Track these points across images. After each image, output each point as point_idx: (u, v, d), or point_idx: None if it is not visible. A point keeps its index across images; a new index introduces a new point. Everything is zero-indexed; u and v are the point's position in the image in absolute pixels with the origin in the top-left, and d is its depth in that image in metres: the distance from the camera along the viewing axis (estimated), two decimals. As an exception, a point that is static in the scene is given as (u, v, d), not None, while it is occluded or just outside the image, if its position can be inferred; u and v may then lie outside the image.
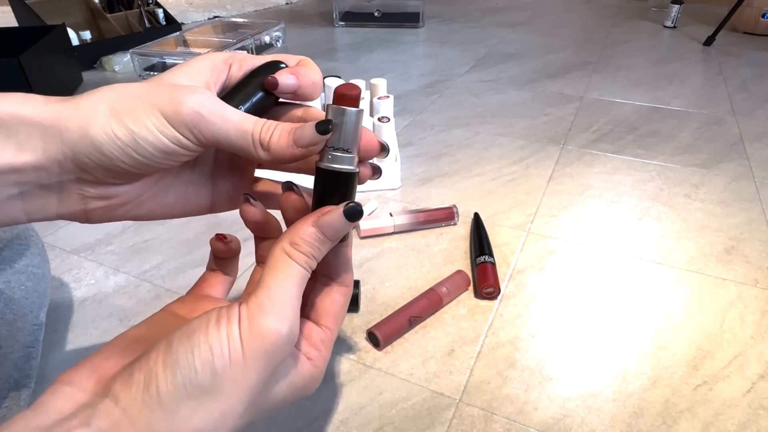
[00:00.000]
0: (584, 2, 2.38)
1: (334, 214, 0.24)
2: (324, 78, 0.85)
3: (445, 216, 0.69)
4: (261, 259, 0.32)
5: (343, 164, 0.25)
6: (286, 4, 2.37)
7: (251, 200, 0.28)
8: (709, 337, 0.52)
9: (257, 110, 0.26)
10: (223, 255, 0.32)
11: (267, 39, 1.55)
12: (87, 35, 1.46)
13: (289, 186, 0.27)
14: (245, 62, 0.28)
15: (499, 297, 0.57)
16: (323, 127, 0.24)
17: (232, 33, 1.52)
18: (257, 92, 0.27)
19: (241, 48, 1.40)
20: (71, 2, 1.53)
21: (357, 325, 0.53)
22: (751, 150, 0.92)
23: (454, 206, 0.69)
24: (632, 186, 0.80)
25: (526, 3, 2.34)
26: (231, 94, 0.27)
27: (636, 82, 1.28)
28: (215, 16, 2.08)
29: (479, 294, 0.57)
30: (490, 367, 0.49)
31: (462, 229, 0.69)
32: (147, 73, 1.32)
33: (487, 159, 0.88)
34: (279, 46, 1.61)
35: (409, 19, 1.90)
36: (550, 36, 1.76)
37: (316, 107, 0.29)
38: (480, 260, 0.60)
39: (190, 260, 0.63)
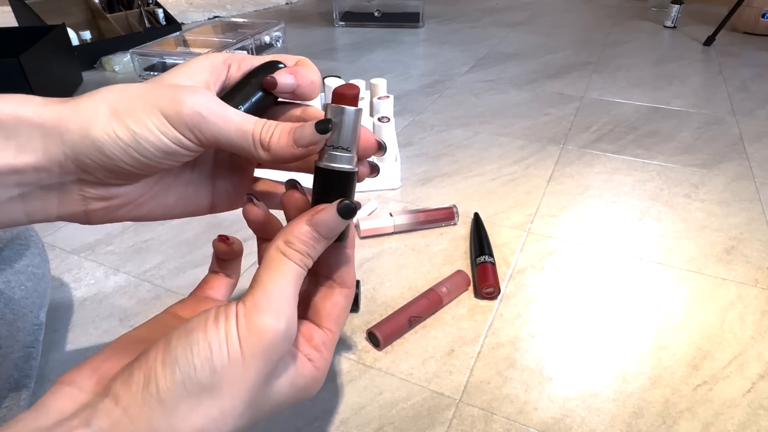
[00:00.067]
0: (584, 2, 2.38)
1: (328, 212, 0.24)
2: (324, 78, 0.85)
3: (445, 216, 0.69)
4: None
5: (342, 163, 0.25)
6: (286, 4, 2.37)
7: (254, 200, 0.28)
8: (709, 337, 0.52)
9: (256, 110, 0.27)
10: (225, 256, 0.32)
11: (267, 39, 1.55)
12: (87, 35, 1.46)
13: (292, 184, 0.27)
14: (244, 62, 0.28)
15: (499, 297, 0.57)
16: (323, 126, 0.24)
17: (232, 33, 1.52)
18: (256, 92, 0.27)
19: (241, 48, 1.40)
20: (71, 2, 1.53)
21: (357, 325, 0.53)
22: (751, 150, 0.92)
23: (454, 206, 0.69)
24: (632, 186, 0.80)
25: (526, 3, 2.34)
26: (230, 94, 0.27)
27: (636, 82, 1.28)
28: (215, 16, 2.08)
29: (479, 294, 0.57)
30: (490, 367, 0.49)
31: (462, 229, 0.69)
32: (147, 73, 1.32)
33: (487, 159, 0.88)
34: (279, 46, 1.61)
35: (409, 19, 1.90)
36: (550, 36, 1.76)
37: (315, 106, 0.29)
38: (480, 260, 0.60)
39: (190, 260, 0.63)
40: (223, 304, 0.23)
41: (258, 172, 0.32)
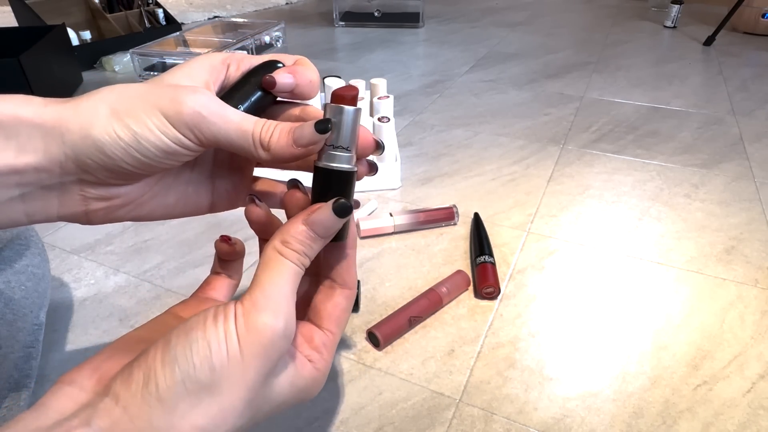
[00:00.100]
0: (584, 2, 2.38)
1: (324, 211, 0.24)
2: (323, 78, 0.85)
3: (445, 216, 0.69)
4: None
5: (342, 163, 0.25)
6: (286, 4, 2.37)
7: (257, 201, 0.28)
8: (709, 337, 0.52)
9: (255, 110, 0.27)
10: (227, 257, 0.32)
11: (267, 39, 1.55)
12: (87, 35, 1.46)
13: (294, 184, 0.27)
14: (243, 62, 0.28)
15: (499, 297, 0.57)
16: (322, 126, 0.24)
17: (232, 33, 1.52)
18: (255, 92, 0.27)
19: (241, 48, 1.40)
20: (71, 2, 1.53)
21: (357, 325, 0.53)
22: (751, 150, 0.92)
23: (454, 206, 0.69)
24: (632, 186, 0.80)
25: (526, 3, 2.34)
26: (230, 94, 0.27)
27: (636, 82, 1.28)
28: (215, 16, 2.08)
29: (479, 294, 0.57)
30: (490, 367, 0.49)
31: (462, 229, 0.69)
32: (147, 73, 1.32)
33: (487, 159, 0.88)
34: (279, 46, 1.61)
35: (409, 19, 1.90)
36: (550, 36, 1.76)
37: (314, 106, 0.29)
38: (480, 260, 0.60)
39: (190, 260, 0.63)
40: (222, 304, 0.23)
41: (257, 171, 0.32)
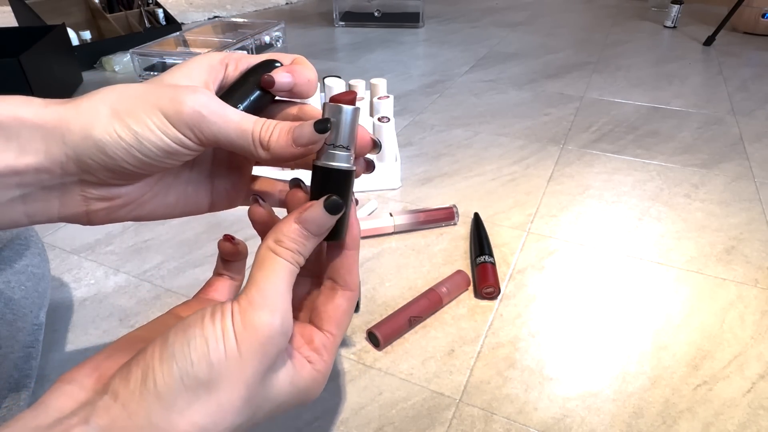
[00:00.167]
0: (584, 2, 2.38)
1: (315, 208, 0.24)
2: (323, 78, 0.85)
3: (445, 216, 0.69)
4: None
5: (340, 162, 0.25)
6: (286, 4, 2.37)
7: (260, 201, 0.28)
8: (709, 337, 0.52)
9: (254, 109, 0.27)
10: (230, 257, 0.32)
11: (267, 39, 1.54)
12: (87, 35, 1.46)
13: (296, 183, 0.27)
14: (241, 62, 0.28)
15: (499, 297, 0.57)
16: (321, 125, 0.24)
17: (232, 33, 1.52)
18: (254, 91, 0.27)
19: (241, 48, 1.40)
20: (71, 2, 1.53)
21: (357, 325, 0.53)
22: (751, 150, 0.92)
23: (454, 206, 0.69)
24: (632, 186, 0.80)
25: (526, 3, 2.34)
26: (228, 93, 0.27)
27: (636, 82, 1.28)
28: (215, 16, 2.08)
29: (479, 294, 0.57)
30: (490, 367, 0.49)
31: (462, 229, 0.69)
32: (147, 73, 1.32)
33: (487, 159, 0.88)
34: (279, 46, 1.61)
35: (409, 19, 1.90)
36: (550, 36, 1.76)
37: (311, 105, 0.29)
38: (480, 260, 0.60)
39: (190, 260, 0.63)
40: (219, 302, 0.23)
41: (256, 170, 0.32)
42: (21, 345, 0.42)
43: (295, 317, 0.29)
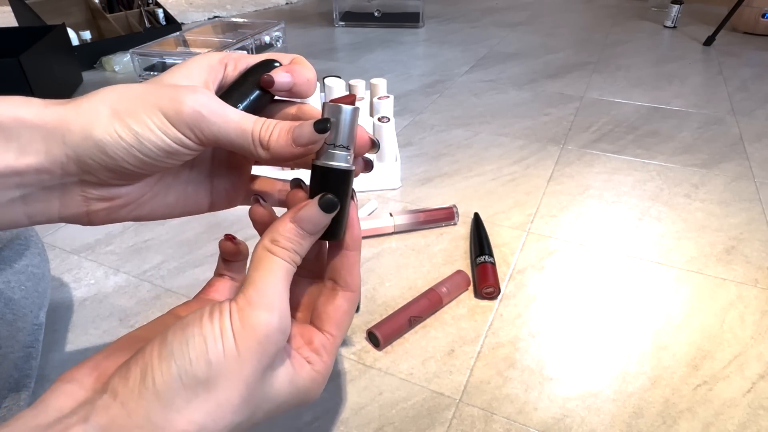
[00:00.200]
0: (584, 2, 2.38)
1: (310, 207, 0.24)
2: (323, 78, 0.85)
3: (445, 216, 0.69)
4: None
5: (339, 161, 0.25)
6: (286, 4, 2.37)
7: (261, 201, 0.28)
8: (709, 337, 0.52)
9: (253, 109, 0.27)
10: (231, 257, 0.32)
11: (267, 39, 1.54)
12: (87, 35, 1.46)
13: (297, 183, 0.27)
14: (240, 61, 0.28)
15: (499, 297, 0.57)
16: (321, 126, 0.24)
17: (232, 33, 1.52)
18: (254, 91, 0.27)
19: (241, 48, 1.40)
20: (71, 2, 1.53)
21: (357, 325, 0.53)
22: (751, 150, 0.92)
23: (454, 206, 0.69)
24: (632, 186, 0.80)
25: (526, 3, 2.34)
26: (228, 93, 0.27)
27: (636, 82, 1.28)
28: (215, 16, 2.08)
29: (479, 294, 0.57)
30: (490, 367, 0.49)
31: (462, 229, 0.69)
32: (147, 73, 1.32)
33: (487, 159, 0.88)
34: (279, 46, 1.61)
35: (409, 19, 1.90)
36: (550, 36, 1.76)
37: (310, 104, 0.29)
38: (480, 260, 0.60)
39: (190, 260, 0.63)
40: (217, 302, 0.23)
41: (255, 169, 0.32)
42: (21, 345, 0.42)
43: (296, 318, 0.29)
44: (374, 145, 0.27)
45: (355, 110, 0.25)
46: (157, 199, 0.27)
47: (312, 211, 0.24)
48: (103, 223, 0.26)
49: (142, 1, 1.63)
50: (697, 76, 1.33)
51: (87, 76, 1.36)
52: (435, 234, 0.68)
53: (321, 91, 0.88)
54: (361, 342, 0.51)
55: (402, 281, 0.59)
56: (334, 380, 0.47)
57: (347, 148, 0.25)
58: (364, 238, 0.67)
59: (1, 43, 1.19)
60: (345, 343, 0.51)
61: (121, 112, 0.22)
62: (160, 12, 1.65)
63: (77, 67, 1.32)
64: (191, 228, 0.69)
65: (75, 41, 1.41)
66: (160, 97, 0.23)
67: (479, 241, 0.63)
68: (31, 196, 0.23)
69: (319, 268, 0.30)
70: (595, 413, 0.44)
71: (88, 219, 0.25)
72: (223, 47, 1.37)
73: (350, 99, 0.25)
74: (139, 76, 1.32)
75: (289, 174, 0.73)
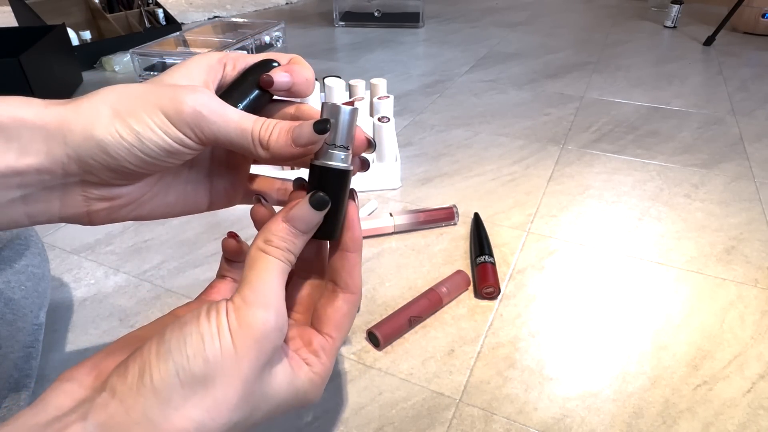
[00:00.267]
0: (584, 2, 2.38)
1: (301, 206, 0.24)
2: (323, 78, 0.85)
3: (445, 216, 0.69)
4: None
5: (338, 161, 0.25)
6: (286, 4, 2.37)
7: (263, 201, 0.28)
8: (709, 337, 0.52)
9: (252, 108, 0.27)
10: (233, 256, 0.32)
11: (267, 39, 1.55)
12: (87, 35, 1.46)
13: (300, 184, 0.27)
14: (238, 61, 0.28)
15: (499, 297, 0.57)
16: (321, 126, 0.24)
17: (232, 33, 1.52)
18: (253, 90, 0.27)
19: (241, 48, 1.40)
20: (71, 2, 1.53)
21: (357, 325, 0.53)
22: (751, 150, 0.92)
23: (454, 206, 0.69)
24: (632, 186, 0.80)
25: (526, 3, 2.34)
26: (227, 92, 0.27)
27: (636, 82, 1.28)
28: (215, 16, 2.08)
29: (479, 294, 0.57)
30: (490, 367, 0.49)
31: (462, 229, 0.69)
32: (147, 73, 1.32)
33: (487, 159, 0.88)
34: (279, 46, 1.61)
35: (409, 19, 1.90)
36: (550, 36, 1.76)
37: (309, 104, 0.29)
38: (480, 260, 0.60)
39: (190, 260, 0.63)
40: (214, 302, 0.23)
41: (254, 168, 0.32)
42: (21, 345, 0.42)
43: (296, 319, 0.29)
44: (371, 146, 0.27)
45: (354, 111, 0.25)
46: (157, 198, 0.27)
47: (303, 209, 0.24)
48: (103, 223, 0.26)
49: (142, 1, 1.63)
50: (697, 76, 1.33)
51: (87, 76, 1.36)
52: (435, 234, 0.68)
53: (321, 91, 0.88)
54: (361, 342, 0.51)
55: (402, 281, 0.59)
56: (334, 380, 0.47)
57: (346, 149, 0.25)
58: (364, 238, 0.67)
59: (1, 43, 1.18)
60: (345, 343, 0.51)
61: (122, 112, 0.22)
62: (160, 12, 1.65)
63: (77, 67, 1.32)
64: (191, 228, 0.69)
65: (75, 41, 1.41)
66: (160, 96, 0.23)
67: (479, 241, 0.63)
68: (31, 196, 0.23)
69: (321, 268, 0.30)
70: (595, 413, 0.44)
71: (88, 219, 0.25)
72: (223, 47, 1.37)
73: (350, 105, 0.26)
74: (139, 76, 1.32)
75: (288, 174, 0.73)
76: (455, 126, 1.02)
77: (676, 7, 1.80)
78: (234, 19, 1.84)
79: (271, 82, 0.27)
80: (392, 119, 0.78)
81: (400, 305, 0.54)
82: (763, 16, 1.70)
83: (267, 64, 0.28)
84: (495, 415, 0.44)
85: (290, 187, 0.31)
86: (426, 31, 1.84)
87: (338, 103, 0.25)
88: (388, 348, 0.51)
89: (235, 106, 0.26)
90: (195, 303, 0.31)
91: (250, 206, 0.29)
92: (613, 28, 1.86)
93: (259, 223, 0.28)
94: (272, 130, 0.24)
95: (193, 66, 0.27)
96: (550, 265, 0.62)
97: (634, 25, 1.91)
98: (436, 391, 0.46)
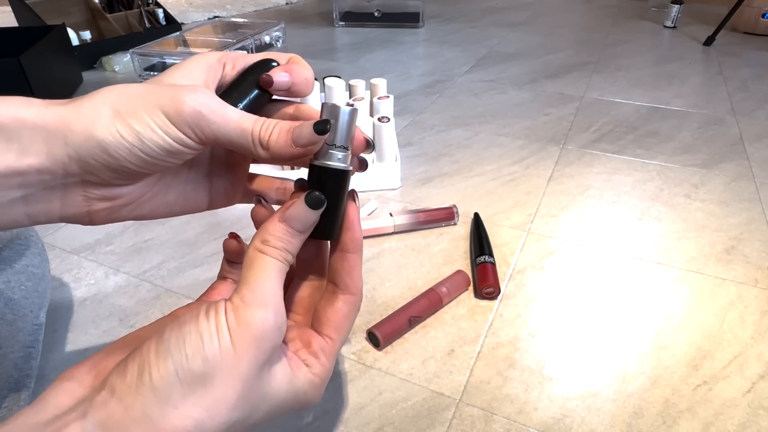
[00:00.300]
0: (584, 2, 2.38)
1: (297, 205, 0.24)
2: (324, 78, 0.85)
3: (445, 216, 0.69)
4: None
5: (337, 162, 0.25)
6: (286, 4, 2.37)
7: (263, 202, 0.28)
8: (709, 337, 0.52)
9: (252, 108, 0.27)
10: (235, 257, 0.32)
11: (267, 39, 1.55)
12: (87, 35, 1.46)
13: (300, 185, 0.27)
14: (238, 61, 0.28)
15: (499, 297, 0.57)
16: (321, 127, 0.24)
17: (232, 33, 1.52)
18: (252, 90, 0.27)
19: (241, 48, 1.40)
20: (71, 2, 1.53)
21: (357, 325, 0.53)
22: (751, 150, 0.92)
23: (454, 206, 0.69)
24: (632, 186, 0.80)
25: (526, 3, 2.34)
26: (227, 92, 0.27)
27: (636, 82, 1.28)
28: (215, 16, 2.08)
29: (479, 294, 0.57)
30: (490, 367, 0.49)
31: (462, 229, 0.69)
32: (147, 73, 1.32)
33: (487, 159, 0.88)
34: (279, 46, 1.61)
35: (409, 19, 1.90)
36: (550, 36, 1.76)
37: (307, 104, 0.29)
38: (480, 260, 0.60)
39: (190, 260, 0.63)
40: (213, 301, 0.23)
41: (253, 168, 0.32)
42: (21, 345, 0.42)
43: (296, 320, 0.29)
44: (369, 146, 0.28)
45: (354, 111, 0.25)
46: (158, 198, 0.27)
47: (299, 209, 0.24)
48: (104, 223, 0.26)
49: (142, 1, 1.63)
50: (697, 76, 1.33)
51: (87, 76, 1.36)
52: (435, 234, 0.68)
53: (321, 91, 0.88)
54: (361, 342, 0.51)
55: (402, 281, 0.59)
56: (334, 380, 0.47)
57: (345, 149, 0.25)
58: (364, 238, 0.67)
59: (1, 43, 1.19)
60: (345, 343, 0.51)
61: (123, 112, 0.22)
62: (160, 12, 1.65)
63: (77, 67, 1.32)
64: (191, 228, 0.69)
65: (75, 41, 1.41)
66: (160, 96, 0.23)
67: (479, 241, 0.63)
68: (32, 196, 0.23)
69: (321, 268, 0.30)
70: (595, 413, 0.44)
71: (89, 219, 0.25)
72: (223, 47, 1.37)
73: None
74: (139, 76, 1.32)
75: (288, 173, 0.73)
76: (455, 126, 1.02)
77: (676, 7, 1.80)
78: (234, 19, 1.84)
79: (270, 82, 0.27)
80: (392, 119, 0.78)
81: (400, 305, 0.54)
82: (763, 16, 1.70)
83: (266, 64, 0.28)
84: (495, 415, 0.44)
85: (289, 186, 0.31)
86: (426, 31, 1.84)
87: (338, 104, 0.25)
88: (388, 348, 0.51)
89: (235, 105, 0.26)
90: (195, 304, 0.31)
91: (250, 206, 0.29)
92: (613, 28, 1.86)
93: (260, 224, 0.28)
94: (272, 130, 0.24)
95: (192, 66, 0.27)
96: (550, 265, 0.62)
97: (634, 25, 1.91)
98: (436, 391, 0.46)
